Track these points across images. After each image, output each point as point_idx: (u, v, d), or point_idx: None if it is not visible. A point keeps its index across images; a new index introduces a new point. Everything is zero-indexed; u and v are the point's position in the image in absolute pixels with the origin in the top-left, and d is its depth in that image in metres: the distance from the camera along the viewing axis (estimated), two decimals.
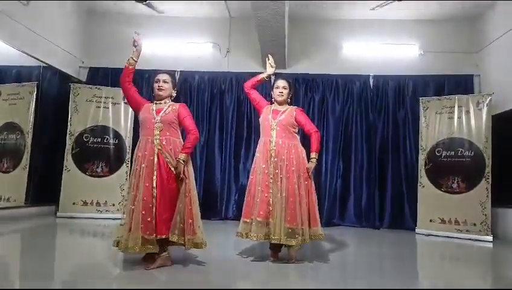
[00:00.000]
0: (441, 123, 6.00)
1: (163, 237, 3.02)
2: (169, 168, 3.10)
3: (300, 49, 6.95)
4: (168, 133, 3.17)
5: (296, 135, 3.64)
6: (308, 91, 6.82)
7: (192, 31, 7.08)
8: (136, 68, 3.31)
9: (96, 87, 6.51)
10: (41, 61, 6.02)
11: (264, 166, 3.51)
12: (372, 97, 6.77)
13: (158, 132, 3.15)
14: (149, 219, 2.99)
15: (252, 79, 3.78)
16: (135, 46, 3.26)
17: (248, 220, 3.45)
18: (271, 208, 3.40)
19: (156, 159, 3.09)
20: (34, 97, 5.93)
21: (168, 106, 3.27)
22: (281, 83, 3.72)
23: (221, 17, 7.02)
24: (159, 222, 3.01)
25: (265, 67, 3.79)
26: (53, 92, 6.37)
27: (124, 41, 7.00)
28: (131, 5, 6.69)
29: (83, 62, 7.07)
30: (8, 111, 5.83)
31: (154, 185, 3.04)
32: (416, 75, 6.71)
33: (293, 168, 3.47)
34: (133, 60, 3.26)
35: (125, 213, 3.10)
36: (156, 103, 3.30)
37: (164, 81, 3.30)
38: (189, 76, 7.00)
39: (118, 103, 6.44)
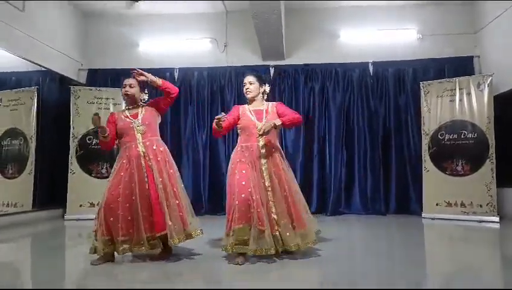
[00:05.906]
0: (443, 106, 5.98)
1: (162, 233, 3.11)
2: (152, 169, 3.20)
3: (298, 40, 6.92)
4: (149, 135, 3.29)
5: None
6: (307, 81, 6.81)
7: (188, 27, 7.05)
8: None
9: (96, 89, 6.53)
10: (40, 65, 6.03)
11: (256, 175, 3.20)
12: (372, 84, 6.76)
13: (140, 135, 3.27)
14: (151, 218, 3.12)
15: (214, 128, 3.45)
16: (98, 126, 3.23)
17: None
18: (276, 217, 3.18)
19: (143, 163, 3.21)
20: (35, 102, 5.96)
21: (142, 108, 3.38)
22: (247, 78, 3.46)
23: (218, 11, 7.00)
24: (156, 220, 3.12)
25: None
26: (54, 95, 6.39)
27: (122, 41, 7.15)
28: (125, 5, 6.69)
29: (82, 64, 7.07)
30: (9, 117, 5.85)
31: (147, 187, 3.16)
32: (416, 59, 6.68)
33: (282, 167, 3.32)
34: (107, 136, 3.30)
35: (100, 218, 3.11)
36: (128, 109, 3.39)
37: (130, 86, 3.35)
38: (188, 73, 7.00)
39: (118, 104, 6.44)
